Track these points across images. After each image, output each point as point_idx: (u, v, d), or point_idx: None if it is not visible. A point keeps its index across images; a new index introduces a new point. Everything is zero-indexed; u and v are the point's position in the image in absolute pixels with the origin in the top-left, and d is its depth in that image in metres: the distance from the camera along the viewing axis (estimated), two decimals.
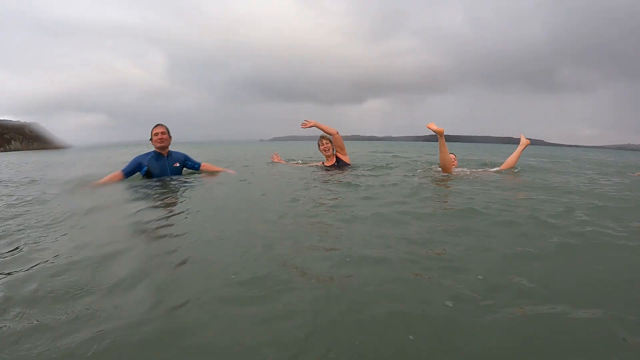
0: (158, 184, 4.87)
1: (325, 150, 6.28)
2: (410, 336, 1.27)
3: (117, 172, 5.19)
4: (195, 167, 5.82)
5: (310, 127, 6.15)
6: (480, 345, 1.22)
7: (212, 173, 5.81)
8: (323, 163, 6.52)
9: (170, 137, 5.47)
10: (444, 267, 1.88)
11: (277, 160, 7.72)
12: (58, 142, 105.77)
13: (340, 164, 6.35)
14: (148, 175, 5.33)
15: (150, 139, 5.44)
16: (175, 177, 5.39)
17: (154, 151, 5.47)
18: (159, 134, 5.37)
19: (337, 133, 6.24)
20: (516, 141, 5.99)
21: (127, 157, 7.31)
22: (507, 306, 1.46)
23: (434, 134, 5.10)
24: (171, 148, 5.59)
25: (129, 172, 5.25)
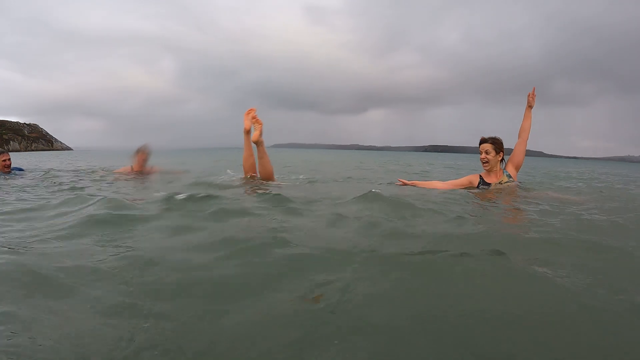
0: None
1: (144, 161, 7.08)
2: None
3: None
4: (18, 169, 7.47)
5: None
6: None
7: None
8: (132, 168, 7.19)
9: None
10: None
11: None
12: (58, 145, 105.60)
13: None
14: None
15: None
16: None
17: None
18: (6, 161, 6.84)
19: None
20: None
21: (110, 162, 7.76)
22: None
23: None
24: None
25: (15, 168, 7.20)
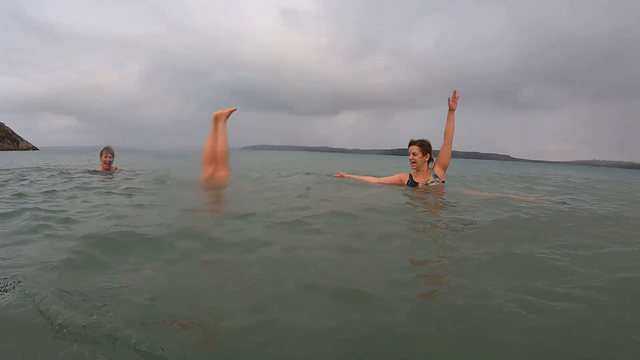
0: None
1: (108, 163, 7.53)
2: None
3: None
4: None
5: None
6: None
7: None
8: (95, 170, 7.72)
9: None
10: None
11: None
12: (24, 145, 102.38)
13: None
14: None
15: None
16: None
17: None
18: None
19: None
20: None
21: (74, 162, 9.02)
22: None
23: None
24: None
25: None
